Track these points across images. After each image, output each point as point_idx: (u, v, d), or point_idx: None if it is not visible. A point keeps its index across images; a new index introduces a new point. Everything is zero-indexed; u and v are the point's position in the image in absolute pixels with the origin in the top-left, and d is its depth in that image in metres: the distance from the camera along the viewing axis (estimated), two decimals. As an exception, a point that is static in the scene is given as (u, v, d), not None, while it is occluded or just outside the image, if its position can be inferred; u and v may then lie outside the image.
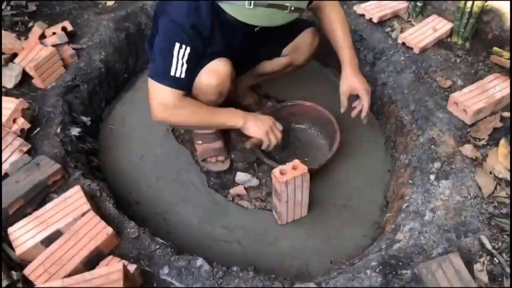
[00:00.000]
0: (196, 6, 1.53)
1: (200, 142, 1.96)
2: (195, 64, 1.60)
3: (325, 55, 2.39)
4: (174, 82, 1.56)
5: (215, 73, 1.64)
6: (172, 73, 1.54)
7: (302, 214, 1.81)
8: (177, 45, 1.53)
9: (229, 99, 1.82)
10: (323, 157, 1.90)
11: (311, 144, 2.06)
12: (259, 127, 1.69)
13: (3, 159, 1.63)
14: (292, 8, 1.41)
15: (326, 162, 1.85)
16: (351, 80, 1.75)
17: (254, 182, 1.93)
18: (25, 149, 1.68)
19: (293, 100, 2.05)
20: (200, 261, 1.44)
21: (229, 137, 2.07)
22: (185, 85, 1.60)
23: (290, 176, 1.58)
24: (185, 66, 1.55)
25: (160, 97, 1.58)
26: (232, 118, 1.68)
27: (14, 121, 1.73)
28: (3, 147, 1.65)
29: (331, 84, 2.31)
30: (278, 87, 2.23)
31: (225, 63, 1.66)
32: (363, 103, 1.78)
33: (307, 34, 1.86)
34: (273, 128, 1.73)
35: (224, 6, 1.41)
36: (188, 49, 1.54)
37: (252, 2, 1.38)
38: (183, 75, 1.56)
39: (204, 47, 1.60)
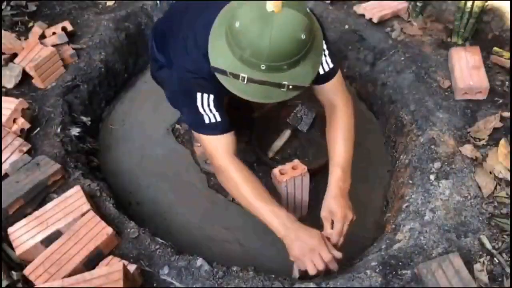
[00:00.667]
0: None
1: (199, 144, 1.96)
2: (221, 103, 1.49)
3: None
4: (214, 129, 1.47)
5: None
6: (207, 122, 1.46)
7: (303, 213, 1.81)
8: (199, 95, 1.43)
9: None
10: (324, 157, 1.89)
11: (311, 144, 2.05)
12: (295, 249, 1.40)
13: (3, 159, 1.63)
14: (290, 86, 1.29)
15: (326, 162, 1.85)
16: (330, 205, 1.52)
17: (254, 182, 1.93)
18: (25, 149, 1.68)
19: (293, 100, 2.05)
20: (200, 261, 1.44)
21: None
22: (227, 125, 1.49)
23: (289, 176, 1.59)
24: (214, 110, 1.46)
25: (208, 147, 1.50)
26: (273, 223, 1.42)
27: (14, 121, 1.73)
28: (3, 147, 1.65)
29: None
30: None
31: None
32: (334, 228, 1.50)
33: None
34: (319, 250, 1.38)
35: (219, 77, 1.33)
36: (212, 96, 1.44)
37: (246, 78, 1.27)
38: (218, 119, 1.46)
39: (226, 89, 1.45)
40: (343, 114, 1.60)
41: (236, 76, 1.29)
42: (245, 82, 1.28)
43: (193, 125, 1.54)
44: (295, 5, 1.26)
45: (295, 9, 1.25)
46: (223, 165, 1.49)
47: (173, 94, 1.63)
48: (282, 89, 1.29)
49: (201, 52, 1.39)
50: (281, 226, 1.41)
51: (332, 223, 1.50)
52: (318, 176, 1.92)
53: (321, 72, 1.51)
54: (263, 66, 1.26)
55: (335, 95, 1.61)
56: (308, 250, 1.38)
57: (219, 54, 1.33)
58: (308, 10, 1.33)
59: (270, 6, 1.22)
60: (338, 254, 1.41)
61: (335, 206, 1.50)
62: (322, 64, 1.50)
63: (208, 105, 1.45)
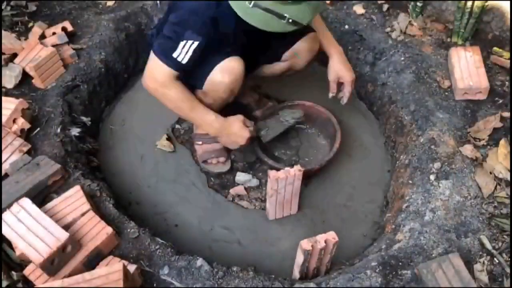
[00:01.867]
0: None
1: (200, 142, 1.95)
2: (200, 55, 1.58)
3: (325, 55, 2.39)
4: (173, 64, 1.56)
5: (228, 70, 1.65)
6: (174, 55, 1.54)
7: (292, 211, 1.82)
8: (189, 32, 1.52)
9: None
10: (324, 157, 1.90)
11: (311, 144, 2.05)
12: (233, 145, 1.78)
13: (3, 159, 1.63)
14: (290, 20, 1.41)
15: (326, 162, 1.85)
16: (338, 69, 1.85)
17: (254, 182, 1.93)
18: (25, 149, 1.67)
19: (293, 100, 2.05)
20: (200, 261, 1.44)
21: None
22: (183, 69, 1.59)
23: (283, 174, 1.61)
24: (189, 54, 1.55)
25: (155, 71, 1.59)
26: (205, 124, 1.72)
27: (14, 121, 1.73)
28: (3, 147, 1.65)
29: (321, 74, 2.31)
30: (278, 87, 2.23)
31: (239, 62, 1.67)
32: (345, 91, 1.90)
33: (307, 39, 1.86)
34: (248, 139, 1.76)
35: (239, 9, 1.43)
36: (198, 42, 1.53)
37: (252, 2, 1.38)
38: (184, 61, 1.55)
39: (219, 43, 1.60)
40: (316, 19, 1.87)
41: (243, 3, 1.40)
42: (251, 5, 1.40)
43: (161, 50, 1.57)
44: None
45: None
46: (167, 85, 1.61)
47: (161, 24, 1.69)
48: (282, 21, 1.42)
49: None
50: (214, 127, 1.72)
51: (338, 85, 1.90)
52: (319, 176, 1.93)
53: None
54: None
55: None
56: (242, 141, 1.75)
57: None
58: None
59: None
60: (251, 127, 1.78)
61: (343, 70, 1.86)
62: None
63: (191, 45, 1.53)
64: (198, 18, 1.52)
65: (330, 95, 1.93)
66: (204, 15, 1.52)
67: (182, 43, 1.53)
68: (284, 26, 1.43)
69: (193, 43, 1.53)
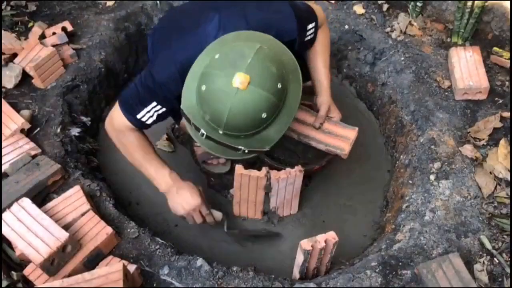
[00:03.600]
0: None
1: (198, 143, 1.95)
2: (163, 118, 1.56)
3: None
4: (135, 122, 1.52)
5: None
6: (138, 116, 1.50)
7: (292, 211, 1.82)
8: (154, 103, 1.48)
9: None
10: (324, 157, 1.89)
11: (312, 147, 2.03)
12: (178, 206, 1.60)
13: (10, 161, 1.63)
14: (246, 151, 1.34)
15: (326, 163, 1.84)
16: (329, 104, 1.73)
17: (254, 182, 1.93)
18: (33, 152, 1.67)
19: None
20: (200, 261, 1.44)
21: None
22: (144, 127, 1.57)
23: (283, 174, 1.62)
24: (154, 118, 1.52)
25: (116, 120, 1.55)
26: (157, 177, 1.59)
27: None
28: (12, 149, 1.64)
29: (332, 84, 2.31)
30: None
31: None
32: (334, 118, 1.76)
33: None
34: (196, 210, 1.60)
35: (184, 119, 1.38)
36: (164, 109, 1.50)
37: (205, 134, 1.33)
38: (148, 122, 1.53)
39: None
40: (320, 39, 1.71)
41: (197, 129, 1.34)
42: (204, 137, 1.33)
43: (125, 103, 1.53)
44: (263, 83, 1.24)
45: (262, 88, 1.24)
46: (124, 132, 1.56)
47: (139, 80, 1.58)
48: (238, 151, 1.34)
49: (178, 71, 1.42)
50: (164, 185, 1.59)
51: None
52: (319, 176, 1.93)
53: (312, 36, 1.64)
54: (220, 131, 1.30)
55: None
56: (185, 208, 1.58)
57: (189, 100, 1.35)
58: (278, 85, 1.28)
59: (236, 82, 1.22)
60: (218, 214, 1.68)
61: (333, 106, 1.75)
62: (309, 35, 1.62)
63: (156, 112, 1.50)
64: (165, 93, 1.46)
65: (317, 124, 1.72)
66: (171, 91, 1.45)
67: (146, 109, 1.49)
68: (243, 155, 1.37)
69: (158, 110, 1.50)
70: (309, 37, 1.62)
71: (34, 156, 1.65)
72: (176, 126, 2.12)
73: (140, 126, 1.55)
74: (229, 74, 1.23)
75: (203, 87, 1.27)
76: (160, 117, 1.53)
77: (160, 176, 1.58)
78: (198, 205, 1.59)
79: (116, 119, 1.56)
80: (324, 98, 1.73)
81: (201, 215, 1.62)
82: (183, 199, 1.58)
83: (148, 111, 1.50)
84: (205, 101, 1.28)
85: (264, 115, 1.27)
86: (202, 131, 1.32)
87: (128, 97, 1.53)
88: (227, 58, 1.27)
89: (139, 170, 1.61)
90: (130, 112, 1.51)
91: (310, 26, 1.60)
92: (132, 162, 1.61)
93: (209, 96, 1.27)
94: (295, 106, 1.35)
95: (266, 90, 1.24)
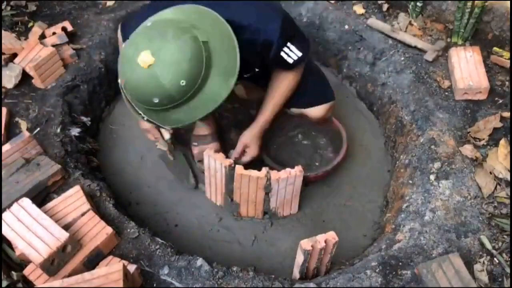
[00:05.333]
0: None
1: (196, 143, 1.95)
2: None
3: (326, 55, 2.40)
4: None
5: None
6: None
7: (292, 211, 1.82)
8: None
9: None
10: (323, 167, 1.89)
11: (318, 153, 2.03)
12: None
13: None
14: (145, 118, 1.42)
15: (323, 172, 1.84)
16: (251, 141, 1.75)
17: (254, 182, 1.93)
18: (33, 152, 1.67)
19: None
20: (200, 261, 1.44)
21: (228, 137, 2.07)
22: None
23: (284, 174, 1.61)
24: None
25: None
26: None
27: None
28: (17, 150, 1.64)
29: (332, 84, 2.31)
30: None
31: None
32: (242, 159, 1.78)
33: (319, 110, 1.82)
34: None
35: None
36: None
37: (121, 85, 1.40)
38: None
39: None
40: (286, 76, 1.68)
41: (119, 76, 1.40)
42: (120, 88, 1.42)
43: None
44: (164, 73, 1.26)
45: (161, 77, 1.26)
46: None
47: None
48: (140, 115, 1.44)
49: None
50: None
51: (243, 152, 1.78)
52: (315, 183, 1.93)
53: (290, 61, 1.59)
54: (124, 90, 1.38)
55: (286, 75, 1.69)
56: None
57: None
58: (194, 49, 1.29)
59: (139, 58, 1.26)
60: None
61: (253, 145, 1.75)
62: (289, 56, 1.58)
63: None
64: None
65: (232, 158, 1.74)
66: None
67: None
68: (143, 119, 1.45)
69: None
70: (285, 57, 1.57)
71: (27, 159, 1.64)
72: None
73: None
74: (140, 48, 1.27)
75: (123, 45, 1.38)
76: None
77: None
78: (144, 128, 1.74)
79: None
80: (245, 135, 1.75)
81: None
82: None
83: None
84: (121, 54, 1.38)
85: (155, 100, 1.31)
86: (119, 80, 1.40)
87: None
88: (152, 31, 1.31)
89: None
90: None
91: (293, 47, 1.56)
92: None
93: (121, 56, 1.36)
94: (206, 107, 1.37)
95: (164, 80, 1.27)
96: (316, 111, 1.83)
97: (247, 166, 1.67)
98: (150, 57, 1.25)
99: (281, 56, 1.57)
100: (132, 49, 1.30)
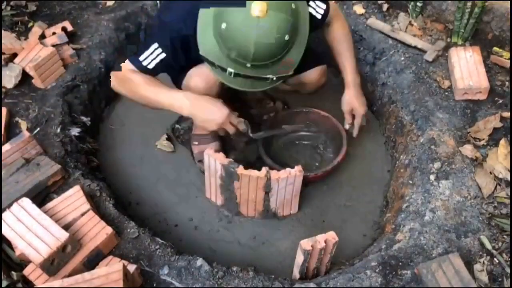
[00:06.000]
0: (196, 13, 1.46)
1: (196, 143, 1.95)
2: (166, 69, 1.59)
3: (326, 56, 2.39)
4: (138, 65, 1.54)
5: (203, 76, 1.60)
6: (140, 59, 1.53)
7: (292, 211, 1.82)
8: (156, 45, 1.51)
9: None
10: (321, 167, 1.89)
11: (318, 154, 2.03)
12: (209, 123, 1.55)
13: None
14: (274, 78, 1.40)
15: (322, 173, 1.84)
16: (352, 102, 1.83)
17: (254, 182, 1.93)
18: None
19: (309, 108, 2.02)
20: (200, 261, 1.44)
21: (228, 137, 2.07)
22: (148, 73, 1.56)
23: (284, 174, 1.61)
24: (156, 61, 1.53)
25: (122, 69, 1.57)
26: (176, 104, 1.52)
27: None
28: (17, 150, 1.64)
29: (332, 84, 2.31)
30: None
31: None
32: (356, 123, 1.88)
33: (314, 72, 1.85)
34: (227, 121, 1.56)
35: (208, 65, 1.42)
36: (163, 55, 1.52)
37: (233, 72, 1.37)
38: (150, 66, 1.53)
39: (186, 60, 1.57)
40: (339, 24, 1.77)
41: (223, 69, 1.37)
42: (232, 76, 1.38)
43: (130, 54, 1.59)
44: (279, 6, 1.28)
45: (280, 11, 1.28)
46: (128, 75, 1.55)
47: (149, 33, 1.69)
48: (267, 81, 1.40)
49: (186, 10, 1.46)
50: (183, 106, 1.51)
51: (352, 116, 1.86)
52: (315, 183, 1.93)
53: (318, 16, 1.62)
54: (248, 65, 1.34)
55: (330, 18, 1.73)
56: (220, 119, 1.53)
57: (208, 45, 1.38)
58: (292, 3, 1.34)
59: (255, 11, 1.25)
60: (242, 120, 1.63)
61: (356, 103, 1.82)
62: (315, 10, 1.61)
63: (155, 56, 1.52)
64: (166, 34, 1.50)
65: (347, 126, 1.89)
66: (173, 31, 1.49)
67: (149, 51, 1.52)
68: (271, 83, 1.42)
69: (160, 53, 1.51)
70: (314, 13, 1.59)
71: (27, 159, 1.64)
72: (176, 126, 2.12)
73: (143, 70, 1.54)
74: (246, 5, 1.27)
75: (223, 25, 1.30)
76: (161, 65, 1.53)
77: (177, 101, 1.52)
78: (228, 114, 1.54)
79: (122, 69, 1.56)
80: (346, 99, 1.82)
81: (232, 125, 1.59)
82: (212, 114, 1.53)
83: (150, 53, 1.51)
84: (228, 38, 1.31)
85: (287, 37, 1.31)
86: (230, 69, 1.36)
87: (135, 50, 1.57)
88: None
89: (155, 106, 1.57)
90: (134, 57, 1.54)
91: (318, 1, 1.60)
92: (146, 102, 1.57)
93: (232, 32, 1.30)
94: (306, 26, 1.41)
95: (284, 12, 1.29)
96: (311, 74, 1.84)
97: (245, 166, 1.66)
98: (265, 7, 1.26)
99: (309, 13, 1.56)
100: (239, 12, 1.29)
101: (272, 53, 1.33)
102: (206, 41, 1.39)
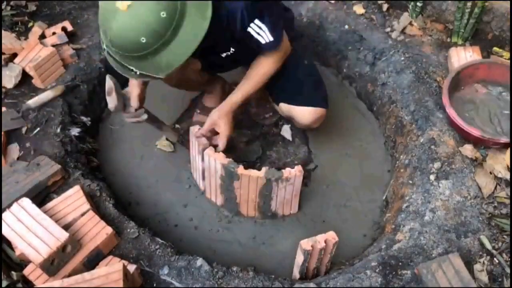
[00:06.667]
0: None
1: (199, 111, 2.02)
2: None
3: (326, 55, 2.40)
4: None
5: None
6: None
7: (292, 211, 1.82)
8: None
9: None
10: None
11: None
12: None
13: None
14: (138, 73, 1.40)
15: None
16: (219, 120, 1.71)
17: (254, 182, 1.93)
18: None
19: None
20: (200, 261, 1.44)
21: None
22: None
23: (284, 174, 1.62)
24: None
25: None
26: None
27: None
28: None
29: (332, 84, 2.32)
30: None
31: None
32: (220, 145, 1.73)
33: (307, 112, 1.80)
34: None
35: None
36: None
37: (106, 50, 1.40)
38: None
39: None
40: (267, 59, 1.69)
41: (102, 43, 1.41)
42: (106, 52, 1.41)
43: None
44: (143, 8, 1.27)
45: (142, 14, 1.27)
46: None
47: None
48: (132, 72, 1.40)
49: None
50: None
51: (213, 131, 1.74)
52: (318, 176, 1.93)
53: (262, 41, 1.58)
54: (113, 48, 1.36)
55: (267, 56, 1.69)
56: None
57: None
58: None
59: (118, 3, 1.27)
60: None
61: (223, 123, 1.70)
62: (258, 34, 1.57)
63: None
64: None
65: (199, 134, 1.74)
66: None
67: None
68: (136, 76, 1.42)
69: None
70: (255, 35, 1.56)
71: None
72: (176, 126, 2.12)
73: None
74: None
75: (99, 3, 1.35)
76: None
77: None
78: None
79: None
80: (213, 113, 1.71)
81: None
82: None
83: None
84: (99, 16, 1.35)
85: (143, 40, 1.30)
86: (104, 46, 1.40)
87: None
88: None
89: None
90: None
91: (263, 27, 1.54)
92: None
93: (100, 11, 1.34)
94: (193, 40, 1.36)
95: (146, 16, 1.28)
96: (304, 113, 1.80)
97: (245, 166, 1.66)
98: (127, 3, 1.26)
99: (250, 33, 1.55)
100: (107, 1, 1.31)
101: (127, 48, 1.33)
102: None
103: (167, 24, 1.30)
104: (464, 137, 1.76)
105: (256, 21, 1.52)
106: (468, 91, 1.88)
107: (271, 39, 1.57)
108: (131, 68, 1.39)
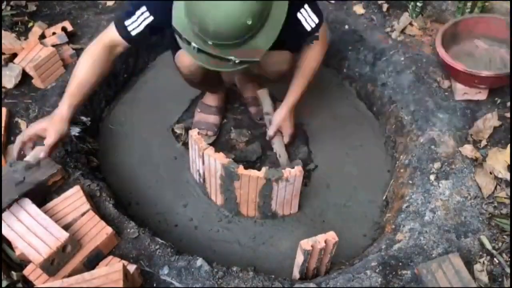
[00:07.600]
0: None
1: (199, 110, 2.00)
2: (153, 33, 1.55)
3: (326, 55, 2.39)
4: (122, 30, 1.51)
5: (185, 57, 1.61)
6: (126, 23, 1.49)
7: (292, 211, 1.82)
8: (144, 8, 1.47)
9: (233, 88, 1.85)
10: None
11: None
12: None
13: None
14: (237, 61, 1.37)
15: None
16: (281, 123, 1.83)
17: (254, 182, 1.93)
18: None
19: None
20: (200, 261, 1.44)
21: (229, 137, 2.08)
22: (128, 40, 1.53)
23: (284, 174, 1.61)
24: (140, 29, 1.49)
25: (104, 31, 1.55)
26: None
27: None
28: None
29: (332, 84, 2.32)
30: (279, 86, 2.21)
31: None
32: (284, 140, 1.88)
33: (276, 55, 1.74)
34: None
35: (177, 36, 1.40)
36: (152, 18, 1.48)
37: (196, 47, 1.35)
38: (133, 33, 1.50)
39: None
40: (314, 48, 1.71)
41: (188, 43, 1.36)
42: (196, 51, 1.36)
43: (117, 15, 1.58)
44: None
45: None
46: (94, 45, 1.55)
47: None
48: (229, 63, 1.36)
49: None
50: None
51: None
52: (318, 176, 1.93)
53: (308, 28, 1.59)
54: (210, 42, 1.32)
55: (314, 45, 1.71)
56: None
57: (179, 16, 1.36)
58: None
59: None
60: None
61: (285, 125, 1.84)
62: (306, 21, 1.57)
63: (141, 21, 1.48)
64: None
65: (268, 138, 1.89)
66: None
67: (135, 15, 1.48)
68: (234, 66, 1.39)
69: (146, 18, 1.48)
70: (303, 21, 1.56)
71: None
72: (176, 126, 2.12)
73: (126, 36, 1.52)
74: None
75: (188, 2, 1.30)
76: (146, 29, 1.50)
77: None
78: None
79: (104, 31, 1.55)
80: (277, 116, 1.82)
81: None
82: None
83: (137, 18, 1.48)
84: (192, 12, 1.30)
85: (249, 21, 1.27)
86: (194, 44, 1.35)
87: (121, 10, 1.54)
88: None
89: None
90: (119, 20, 1.51)
91: (310, 12, 1.56)
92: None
93: (195, 6, 1.29)
94: (281, 18, 1.37)
95: None
96: (273, 57, 1.69)
97: (245, 166, 1.67)
98: None
99: (298, 19, 1.55)
100: None
101: (232, 34, 1.30)
102: (178, 12, 1.37)
103: (267, 2, 1.31)
104: (454, 77, 1.82)
105: (306, 6, 1.54)
106: (468, 46, 1.88)
107: (316, 21, 1.58)
108: (230, 58, 1.36)
